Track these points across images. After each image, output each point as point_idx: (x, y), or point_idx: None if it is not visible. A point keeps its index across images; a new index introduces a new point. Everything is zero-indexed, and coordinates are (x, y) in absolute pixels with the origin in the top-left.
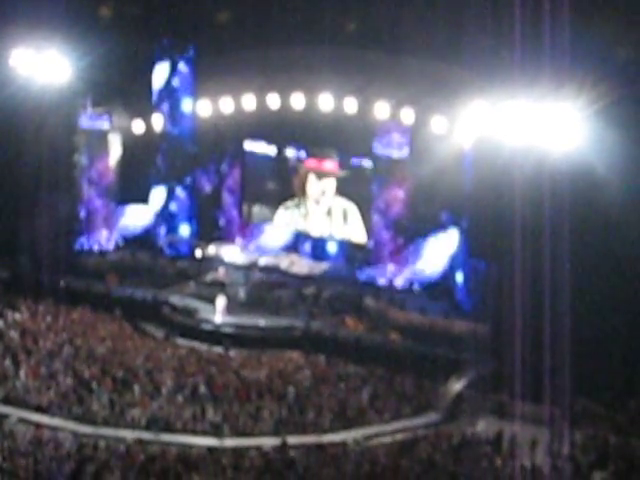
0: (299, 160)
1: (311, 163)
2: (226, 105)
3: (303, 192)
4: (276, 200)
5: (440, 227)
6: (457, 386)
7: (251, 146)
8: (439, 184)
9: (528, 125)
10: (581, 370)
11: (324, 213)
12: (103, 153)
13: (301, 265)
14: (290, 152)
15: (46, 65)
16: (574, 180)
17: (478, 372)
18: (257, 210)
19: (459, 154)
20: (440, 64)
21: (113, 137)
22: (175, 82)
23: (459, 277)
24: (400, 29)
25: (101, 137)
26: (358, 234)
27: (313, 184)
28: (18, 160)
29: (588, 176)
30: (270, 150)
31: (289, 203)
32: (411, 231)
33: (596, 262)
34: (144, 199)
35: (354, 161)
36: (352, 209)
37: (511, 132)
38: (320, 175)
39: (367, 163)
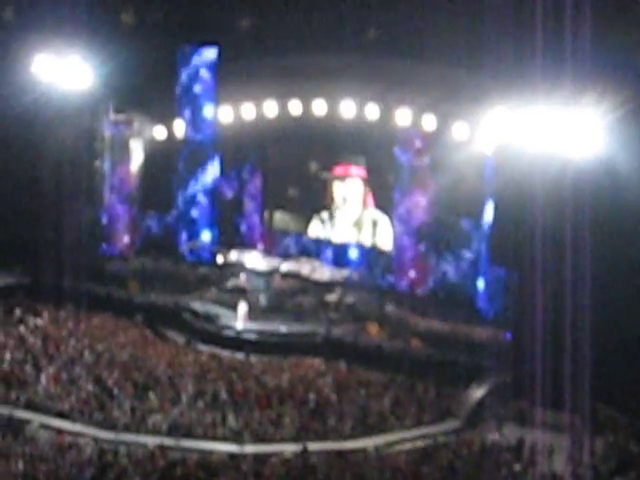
0: (323, 168)
1: (337, 170)
2: (248, 111)
3: (331, 200)
4: (298, 207)
5: (461, 234)
6: (478, 393)
7: (273, 152)
8: (460, 191)
9: (549, 131)
10: (602, 377)
11: (351, 220)
12: (125, 159)
13: (322, 271)
14: (313, 159)
15: (68, 71)
16: (596, 187)
17: (499, 379)
18: (279, 217)
19: (480, 161)
20: (461, 70)
21: (135, 143)
22: (197, 88)
23: (480, 284)
24: (421, 36)
25: (123, 143)
26: (385, 242)
27: (339, 190)
28: (40, 166)
29: (610, 183)
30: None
31: (324, 215)
32: (433, 238)
33: (618, 269)
34: (166, 205)
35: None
36: (383, 219)
37: (532, 138)
38: (345, 181)
39: (389, 170)
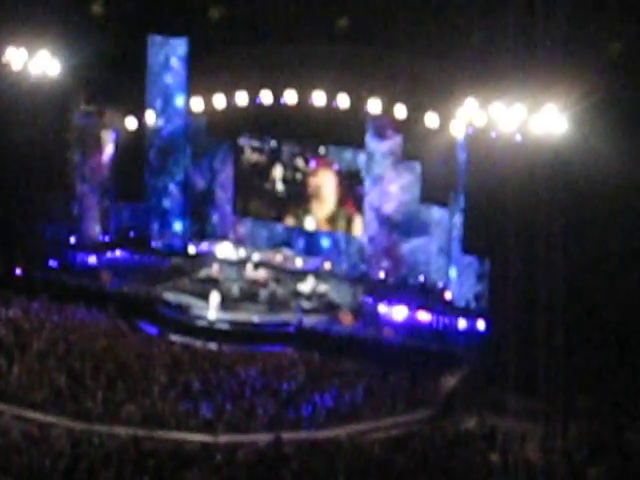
0: (294, 155)
1: (311, 164)
2: (219, 102)
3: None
4: (271, 196)
5: (433, 222)
6: (451, 382)
7: (244, 142)
8: (432, 179)
9: (520, 120)
10: (577, 365)
11: (324, 216)
12: (96, 150)
13: (295, 261)
14: (285, 148)
15: (38, 63)
16: (567, 174)
17: (472, 367)
18: (251, 206)
19: (452, 149)
20: (432, 61)
21: (106, 134)
22: (167, 79)
23: (452, 273)
24: (392, 25)
25: (94, 134)
26: (358, 231)
27: (312, 184)
28: (10, 156)
29: (580, 170)
30: (263, 146)
31: (298, 210)
32: (404, 226)
33: (592, 256)
34: (138, 196)
35: (348, 156)
36: (358, 217)
37: (503, 127)
38: (317, 175)
39: (361, 158)
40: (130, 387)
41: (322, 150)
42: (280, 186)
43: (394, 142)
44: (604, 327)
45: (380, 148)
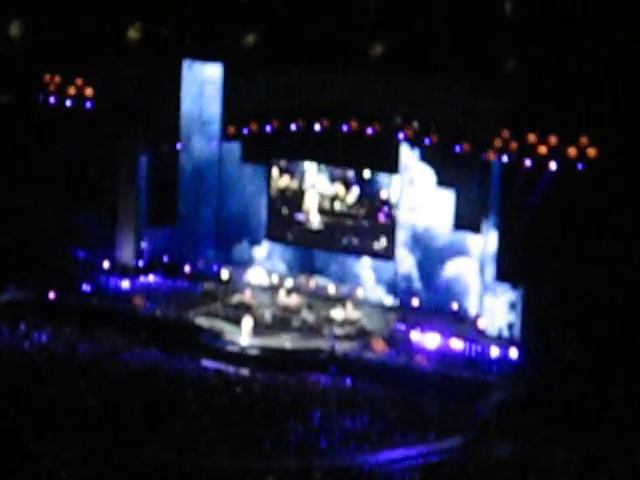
0: (333, 180)
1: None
2: (252, 127)
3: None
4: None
5: (466, 249)
6: (484, 410)
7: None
8: (466, 206)
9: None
10: (611, 395)
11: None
12: (130, 174)
13: (327, 287)
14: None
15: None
16: (601, 202)
17: (505, 396)
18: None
19: (487, 176)
20: (467, 89)
21: (140, 158)
22: (202, 104)
23: (486, 300)
24: (427, 53)
25: (129, 158)
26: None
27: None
28: (46, 181)
29: (614, 197)
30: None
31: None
32: (438, 253)
33: (630, 285)
34: (171, 220)
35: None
36: None
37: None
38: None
39: (395, 184)
40: (162, 413)
41: (367, 174)
42: (315, 218)
43: (428, 169)
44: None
45: (414, 174)
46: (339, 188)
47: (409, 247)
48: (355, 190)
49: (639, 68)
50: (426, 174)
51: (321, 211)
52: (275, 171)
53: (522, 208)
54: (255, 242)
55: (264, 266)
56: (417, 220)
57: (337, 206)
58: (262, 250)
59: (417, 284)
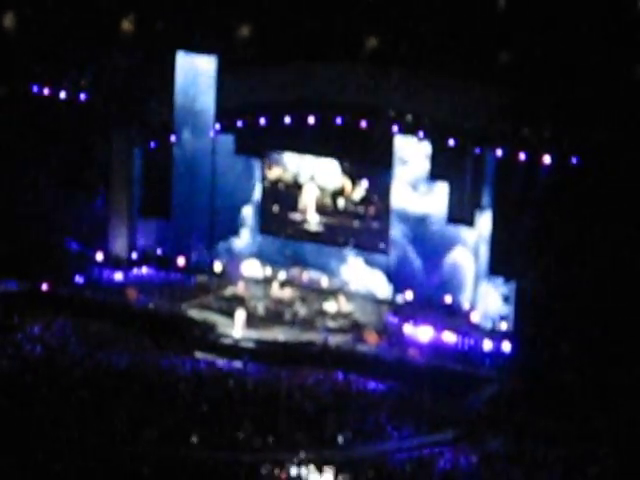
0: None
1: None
2: (245, 119)
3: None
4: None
5: (459, 243)
6: (477, 403)
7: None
8: (460, 199)
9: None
10: (604, 388)
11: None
12: (123, 167)
13: (320, 280)
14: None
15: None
16: (595, 196)
17: (498, 389)
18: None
19: (480, 169)
20: (460, 82)
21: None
22: (195, 96)
23: (479, 294)
24: (419, 46)
25: (122, 151)
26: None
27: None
28: (42, 174)
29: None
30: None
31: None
32: (431, 247)
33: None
34: (165, 213)
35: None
36: None
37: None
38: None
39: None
40: (154, 406)
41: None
42: (314, 218)
43: (421, 162)
44: (635, 350)
45: (407, 167)
46: (345, 182)
47: (402, 240)
48: (364, 184)
49: (635, 61)
50: (420, 167)
51: (321, 210)
52: (269, 163)
53: (516, 202)
54: (247, 235)
55: (255, 259)
56: (411, 213)
57: (340, 203)
58: (251, 242)
59: (410, 277)
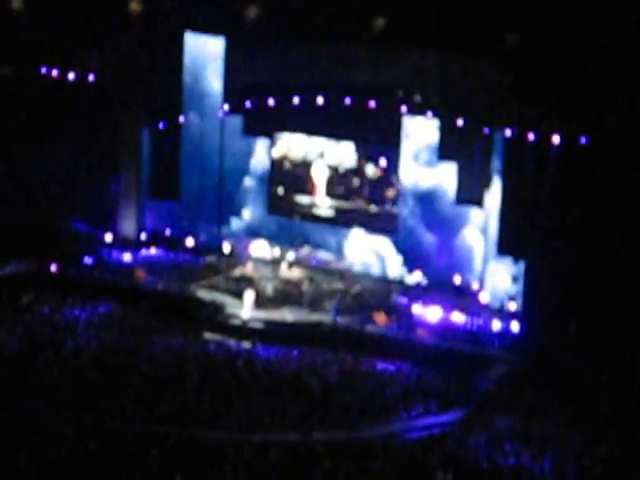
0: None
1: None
2: (254, 100)
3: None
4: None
5: (468, 223)
6: (485, 383)
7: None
8: (468, 180)
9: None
10: (612, 368)
11: None
12: (133, 148)
13: (329, 260)
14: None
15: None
16: (603, 177)
17: (507, 369)
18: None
19: (488, 150)
20: (468, 62)
21: (142, 132)
22: (203, 77)
23: (487, 274)
24: (427, 26)
25: (131, 133)
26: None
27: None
28: (51, 155)
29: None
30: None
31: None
32: (440, 227)
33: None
34: (174, 194)
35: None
36: None
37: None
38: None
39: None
40: (163, 386)
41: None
42: (324, 201)
43: (430, 142)
44: None
45: (416, 148)
46: (357, 161)
47: (412, 221)
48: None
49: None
50: (429, 147)
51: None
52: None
53: (525, 181)
54: (255, 216)
55: (263, 239)
56: (420, 193)
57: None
58: (258, 223)
59: (419, 258)
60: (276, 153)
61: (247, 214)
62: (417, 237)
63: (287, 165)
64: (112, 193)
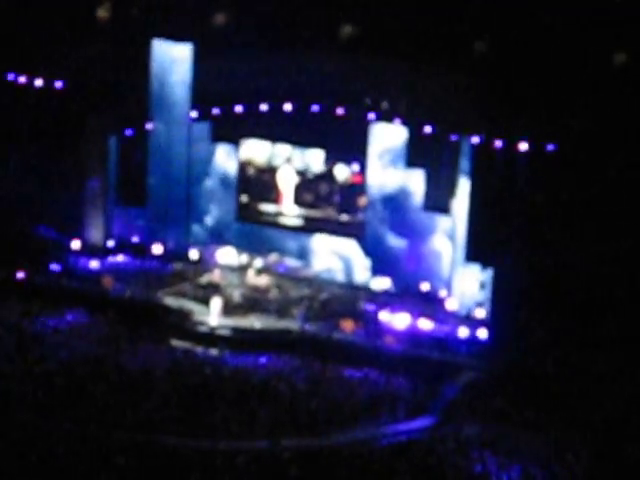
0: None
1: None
2: (221, 107)
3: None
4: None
5: (435, 230)
6: (453, 390)
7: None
8: (436, 187)
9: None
10: (580, 375)
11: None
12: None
13: (297, 268)
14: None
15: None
16: (570, 183)
17: (474, 376)
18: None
19: (456, 157)
20: (437, 71)
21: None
22: (171, 84)
23: (455, 281)
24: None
25: (99, 139)
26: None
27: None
28: (16, 161)
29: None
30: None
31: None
32: (407, 234)
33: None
34: (141, 201)
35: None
36: None
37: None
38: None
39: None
40: (130, 394)
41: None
42: (291, 210)
43: (397, 149)
44: (609, 335)
45: (383, 155)
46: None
47: (379, 228)
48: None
49: (611, 49)
50: (396, 155)
51: (299, 201)
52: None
53: (492, 188)
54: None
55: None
56: (387, 200)
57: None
58: (226, 230)
59: (387, 265)
60: (242, 159)
61: (212, 221)
62: (384, 242)
63: (251, 171)
64: (79, 200)
